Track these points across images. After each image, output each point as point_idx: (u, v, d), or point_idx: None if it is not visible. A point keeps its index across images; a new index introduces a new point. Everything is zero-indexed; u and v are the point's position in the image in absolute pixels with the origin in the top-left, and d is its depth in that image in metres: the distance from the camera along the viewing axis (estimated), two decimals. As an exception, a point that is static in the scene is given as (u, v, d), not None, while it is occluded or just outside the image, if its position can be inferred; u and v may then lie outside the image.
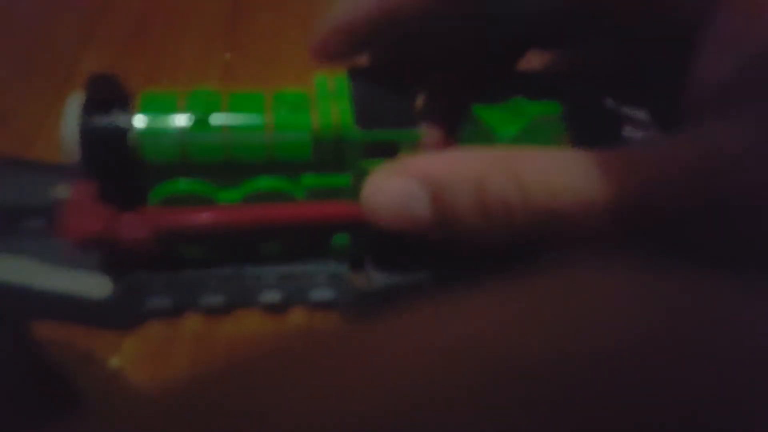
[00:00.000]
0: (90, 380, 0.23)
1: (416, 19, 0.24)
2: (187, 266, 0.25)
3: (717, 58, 0.20)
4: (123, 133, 0.22)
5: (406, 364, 0.12)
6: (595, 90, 0.27)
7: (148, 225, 0.23)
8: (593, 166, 0.19)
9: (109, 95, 0.22)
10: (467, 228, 0.21)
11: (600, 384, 0.11)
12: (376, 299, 0.25)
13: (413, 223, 0.21)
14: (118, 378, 0.23)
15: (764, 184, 0.17)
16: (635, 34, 0.25)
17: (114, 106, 0.22)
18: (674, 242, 0.18)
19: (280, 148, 0.23)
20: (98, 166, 0.22)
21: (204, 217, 0.24)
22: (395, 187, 0.21)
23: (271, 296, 0.25)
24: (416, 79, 0.26)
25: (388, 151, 0.24)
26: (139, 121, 0.22)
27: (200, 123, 0.22)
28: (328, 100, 0.24)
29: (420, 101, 0.25)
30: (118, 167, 0.22)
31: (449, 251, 0.25)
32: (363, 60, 0.27)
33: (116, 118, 0.22)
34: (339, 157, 0.24)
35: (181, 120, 0.22)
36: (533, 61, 0.28)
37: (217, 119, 0.23)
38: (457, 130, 0.28)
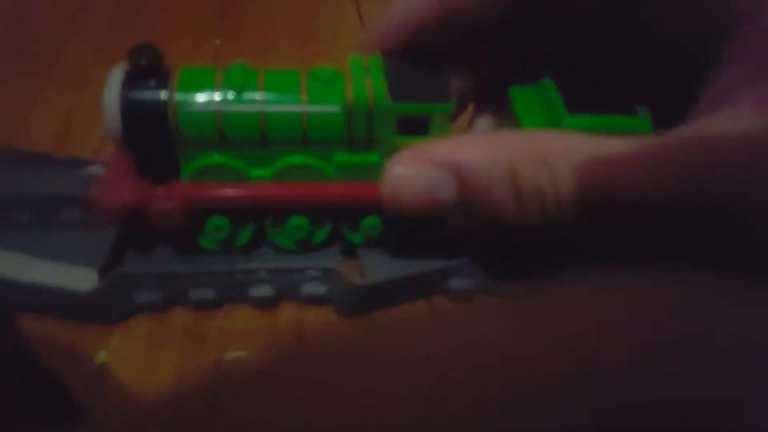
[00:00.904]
0: (76, 375, 0.23)
1: (472, 17, 0.25)
2: (176, 260, 0.25)
3: (732, 69, 0.21)
4: (162, 106, 0.22)
5: (404, 370, 0.12)
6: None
7: (180, 198, 0.23)
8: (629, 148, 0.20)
9: (149, 68, 0.22)
10: (497, 214, 0.21)
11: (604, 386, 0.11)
12: (369, 294, 0.25)
13: (438, 208, 0.22)
14: (105, 373, 0.23)
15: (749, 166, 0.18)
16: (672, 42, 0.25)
17: (154, 80, 0.22)
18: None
19: (314, 123, 0.23)
20: (137, 139, 0.23)
21: (234, 192, 0.24)
22: (422, 176, 0.22)
23: (262, 291, 0.25)
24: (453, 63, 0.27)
25: (420, 126, 0.24)
26: (178, 95, 0.22)
27: (237, 98, 0.23)
28: (362, 75, 0.24)
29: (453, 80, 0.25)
30: (156, 140, 0.23)
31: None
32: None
33: (156, 92, 0.22)
34: (371, 134, 0.24)
35: (218, 95, 0.23)
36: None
37: (253, 95, 0.23)
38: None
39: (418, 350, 0.13)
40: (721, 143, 0.18)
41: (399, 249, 0.27)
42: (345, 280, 0.25)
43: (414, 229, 0.26)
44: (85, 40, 0.40)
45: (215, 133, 0.23)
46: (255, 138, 0.23)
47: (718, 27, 0.22)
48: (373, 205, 0.24)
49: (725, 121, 0.19)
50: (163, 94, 0.22)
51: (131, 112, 0.22)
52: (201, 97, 0.23)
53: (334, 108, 0.23)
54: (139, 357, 0.24)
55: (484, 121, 0.29)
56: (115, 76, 0.22)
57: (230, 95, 0.23)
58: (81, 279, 0.24)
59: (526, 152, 0.21)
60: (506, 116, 0.27)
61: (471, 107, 0.30)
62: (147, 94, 0.22)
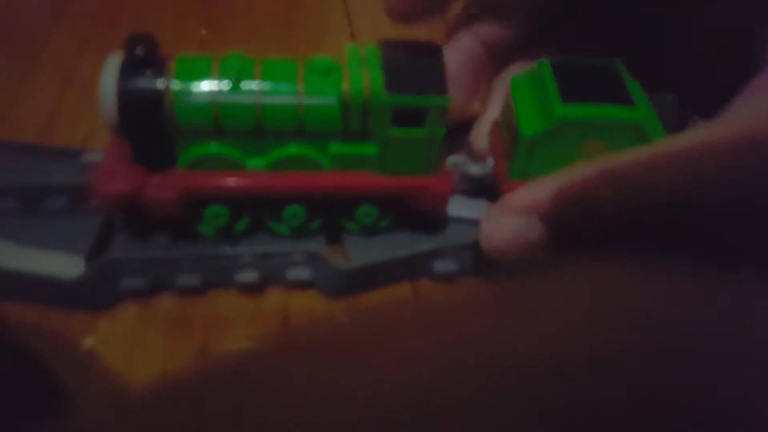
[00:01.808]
0: (63, 362, 0.23)
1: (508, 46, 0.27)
2: (163, 246, 0.25)
3: None
4: (159, 95, 0.22)
5: (402, 364, 0.12)
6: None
7: (176, 187, 0.24)
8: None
9: (146, 57, 0.23)
10: (572, 235, 0.23)
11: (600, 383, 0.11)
12: (354, 277, 0.25)
13: (535, 248, 0.24)
14: (92, 359, 0.23)
15: None
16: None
17: (151, 69, 0.23)
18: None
19: (310, 114, 0.23)
20: (133, 127, 0.23)
21: (230, 182, 0.24)
22: (514, 225, 0.24)
23: (248, 276, 0.25)
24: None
25: (415, 118, 0.24)
26: (175, 84, 0.22)
27: (233, 88, 0.23)
28: (359, 67, 0.24)
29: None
30: (152, 129, 0.23)
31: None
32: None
33: (153, 81, 0.22)
34: (366, 125, 0.24)
35: (214, 85, 0.23)
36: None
37: (249, 85, 0.23)
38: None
39: (406, 341, 0.13)
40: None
41: (383, 232, 0.27)
42: (329, 264, 0.25)
43: None
44: (72, 30, 0.40)
45: (211, 122, 0.23)
46: (251, 128, 0.23)
47: (763, 32, 0.23)
48: (368, 194, 0.25)
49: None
50: (159, 83, 0.22)
51: (128, 101, 0.22)
52: (197, 87, 0.23)
53: (330, 100, 0.23)
54: (126, 343, 0.24)
55: (512, 71, 0.29)
56: (112, 65, 0.22)
57: (227, 85, 0.23)
58: (67, 266, 0.24)
59: (591, 169, 0.23)
60: (504, 107, 0.27)
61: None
62: (144, 83, 0.22)
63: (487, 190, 0.27)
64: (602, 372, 0.11)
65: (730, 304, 0.13)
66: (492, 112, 0.28)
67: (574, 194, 0.23)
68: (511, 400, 0.11)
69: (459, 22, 0.29)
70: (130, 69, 0.22)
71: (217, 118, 0.23)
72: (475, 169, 0.27)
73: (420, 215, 0.27)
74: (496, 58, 0.29)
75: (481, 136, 0.28)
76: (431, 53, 0.25)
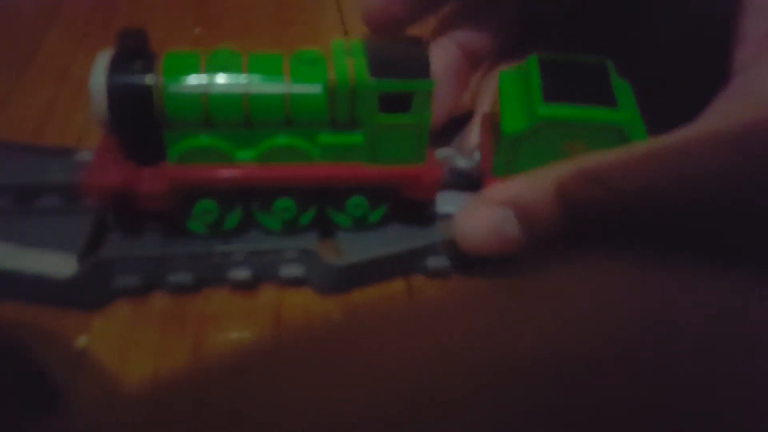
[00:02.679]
0: (56, 360, 0.23)
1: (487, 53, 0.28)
2: (156, 244, 0.25)
3: (761, 21, 0.22)
4: (148, 90, 0.23)
5: (399, 364, 0.12)
6: None
7: (166, 180, 0.24)
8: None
9: (135, 52, 0.23)
10: (552, 234, 0.23)
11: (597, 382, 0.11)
12: (347, 274, 0.25)
13: (507, 243, 0.23)
14: (85, 358, 0.23)
15: None
16: None
17: (140, 64, 0.23)
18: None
19: (296, 103, 0.23)
20: (123, 122, 0.23)
21: (220, 174, 0.24)
22: (488, 215, 0.24)
23: (241, 273, 0.25)
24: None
25: (401, 103, 0.24)
26: (163, 78, 0.23)
27: (221, 80, 0.23)
28: (343, 56, 0.24)
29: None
30: (142, 122, 0.23)
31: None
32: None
33: (142, 76, 0.23)
34: (354, 113, 0.24)
35: (202, 78, 0.23)
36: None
37: (236, 77, 0.23)
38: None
39: (403, 340, 0.13)
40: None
41: (376, 229, 0.27)
42: (322, 261, 0.25)
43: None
44: (66, 30, 0.40)
45: (200, 115, 0.23)
46: (239, 119, 0.23)
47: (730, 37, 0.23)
48: (358, 185, 0.25)
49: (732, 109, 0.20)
50: (148, 78, 0.23)
51: (117, 95, 0.22)
52: (186, 80, 0.23)
53: (316, 88, 0.23)
54: (120, 341, 0.24)
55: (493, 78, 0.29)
56: (102, 60, 0.23)
57: (214, 78, 0.23)
58: (60, 265, 0.24)
59: (569, 168, 0.22)
60: (493, 102, 0.27)
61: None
62: (132, 78, 0.23)
63: (475, 185, 0.27)
64: (602, 372, 0.11)
65: (730, 304, 0.13)
66: (483, 109, 0.29)
67: (552, 192, 0.23)
68: (511, 400, 0.11)
69: (438, 28, 0.29)
70: (119, 64, 0.23)
71: (205, 110, 0.23)
72: (461, 163, 0.27)
73: (410, 205, 0.27)
74: (475, 64, 0.29)
75: (474, 132, 0.29)
76: (413, 43, 0.25)
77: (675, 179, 0.20)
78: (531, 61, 0.25)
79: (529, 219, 0.23)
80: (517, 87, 0.25)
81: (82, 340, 0.23)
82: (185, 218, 0.25)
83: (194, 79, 0.23)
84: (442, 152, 0.28)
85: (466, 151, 0.28)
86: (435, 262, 0.26)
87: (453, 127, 0.30)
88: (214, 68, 0.23)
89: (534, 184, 0.23)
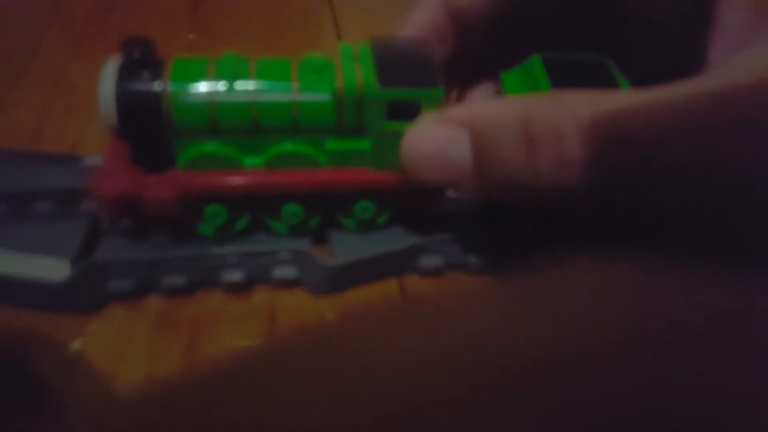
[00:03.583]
0: (51, 364, 0.23)
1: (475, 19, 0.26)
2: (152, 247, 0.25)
3: (735, 14, 0.21)
4: (156, 97, 0.23)
5: (398, 365, 0.12)
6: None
7: (175, 186, 0.24)
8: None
9: (143, 60, 0.23)
10: (509, 172, 0.20)
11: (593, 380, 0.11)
12: (340, 274, 0.25)
13: (452, 171, 0.21)
14: (80, 362, 0.23)
15: None
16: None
17: (148, 71, 0.23)
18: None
19: (304, 111, 0.24)
20: (132, 129, 0.23)
21: (228, 181, 0.24)
22: (435, 134, 0.21)
23: (234, 275, 0.25)
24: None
25: (409, 111, 0.24)
26: (171, 85, 0.23)
27: (229, 88, 0.23)
28: (352, 63, 0.24)
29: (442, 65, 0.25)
30: (151, 130, 0.23)
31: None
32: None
33: (150, 83, 0.23)
34: (361, 120, 0.24)
35: (210, 85, 0.23)
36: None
37: (245, 84, 0.23)
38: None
39: (401, 341, 0.13)
40: (734, 92, 0.18)
41: (381, 228, 0.27)
42: (315, 262, 0.25)
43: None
44: (61, 37, 0.41)
45: (208, 122, 0.23)
46: (247, 126, 0.24)
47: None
48: (366, 190, 0.25)
49: (742, 64, 0.19)
50: (156, 85, 0.23)
51: (126, 103, 0.23)
52: (194, 88, 0.23)
53: (324, 96, 0.23)
54: (115, 344, 0.24)
55: (482, 90, 0.29)
56: (110, 68, 0.23)
57: (222, 85, 0.23)
58: (54, 270, 0.24)
59: (539, 98, 0.20)
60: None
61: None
62: (141, 86, 0.23)
63: None
64: (602, 372, 0.11)
65: (730, 303, 0.13)
66: None
67: (514, 121, 0.20)
68: (510, 400, 0.11)
69: None
70: (127, 72, 0.23)
71: (213, 118, 0.23)
72: None
73: (417, 209, 0.27)
74: (459, 24, 0.28)
75: None
76: (422, 48, 0.25)
77: (697, 134, 0.18)
78: (534, 60, 0.25)
79: (482, 146, 0.21)
80: (523, 87, 0.25)
81: (76, 344, 0.24)
82: (194, 223, 0.25)
83: (202, 87, 0.23)
84: None
85: None
86: (427, 261, 0.26)
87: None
88: (222, 75, 0.23)
89: (497, 109, 0.21)
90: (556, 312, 0.13)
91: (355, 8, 0.45)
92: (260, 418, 0.11)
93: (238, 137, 0.24)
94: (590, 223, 0.27)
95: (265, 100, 0.23)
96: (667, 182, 0.19)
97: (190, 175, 0.24)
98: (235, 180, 0.24)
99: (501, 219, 0.27)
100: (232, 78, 0.23)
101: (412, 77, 0.24)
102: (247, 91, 0.23)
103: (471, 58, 0.29)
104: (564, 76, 0.24)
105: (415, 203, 0.26)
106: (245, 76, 0.23)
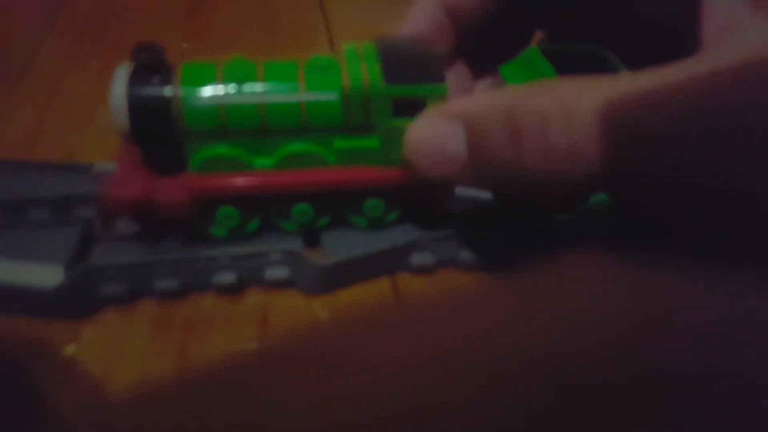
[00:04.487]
0: (45, 369, 0.23)
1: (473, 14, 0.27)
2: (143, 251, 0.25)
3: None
4: (167, 102, 0.23)
5: (396, 368, 0.12)
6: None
7: (187, 189, 0.24)
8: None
9: (153, 66, 0.23)
10: (498, 163, 0.21)
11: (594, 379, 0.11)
12: (332, 273, 0.25)
13: (451, 165, 0.21)
14: (74, 367, 0.23)
15: None
16: None
17: (158, 77, 0.23)
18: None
19: (312, 111, 0.24)
20: (144, 133, 0.24)
21: (239, 182, 0.25)
22: (435, 129, 0.22)
23: (226, 277, 0.25)
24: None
25: (416, 108, 0.24)
26: (182, 90, 0.23)
27: (238, 91, 0.23)
28: (357, 62, 0.24)
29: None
30: (162, 134, 0.24)
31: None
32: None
33: (161, 88, 0.23)
34: (368, 118, 0.24)
35: (219, 89, 0.23)
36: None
37: (253, 87, 0.24)
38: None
39: (399, 343, 0.13)
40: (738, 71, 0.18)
41: (360, 228, 0.27)
42: (307, 262, 0.25)
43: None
44: (57, 47, 0.41)
45: (218, 125, 0.24)
46: (257, 128, 0.24)
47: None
48: (375, 188, 0.25)
49: (738, 45, 0.19)
50: (167, 90, 0.23)
51: (138, 108, 0.23)
52: (203, 91, 0.23)
53: (331, 95, 0.24)
54: (109, 349, 0.24)
55: (483, 84, 0.29)
56: (121, 74, 0.23)
57: (231, 88, 0.23)
58: (47, 276, 0.24)
59: (528, 87, 0.20)
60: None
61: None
62: (153, 91, 0.23)
63: None
64: (602, 372, 0.11)
65: (730, 304, 0.13)
66: None
67: (502, 113, 0.20)
68: (510, 400, 0.11)
69: None
70: (138, 78, 0.23)
71: (223, 120, 0.24)
72: None
73: (426, 205, 0.27)
74: (458, 22, 0.28)
75: None
76: (425, 45, 0.26)
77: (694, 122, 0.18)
78: (533, 52, 0.25)
79: (475, 138, 0.21)
80: (525, 77, 0.26)
81: (70, 349, 0.24)
82: (207, 226, 0.26)
83: (212, 90, 0.23)
84: None
85: None
86: (419, 258, 0.26)
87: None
88: (230, 79, 0.23)
89: (487, 100, 0.21)
90: (555, 312, 0.13)
91: (347, 15, 0.45)
92: (254, 420, 0.11)
93: (247, 139, 0.24)
94: (590, 223, 0.27)
95: (274, 102, 0.24)
96: (666, 171, 0.19)
97: (201, 177, 0.24)
98: (247, 181, 0.25)
99: (510, 218, 0.27)
100: (240, 81, 0.23)
101: (417, 74, 0.24)
102: (255, 93, 0.23)
103: (471, 53, 0.29)
104: (568, 66, 0.25)
105: (424, 199, 0.27)
106: (253, 78, 0.24)
